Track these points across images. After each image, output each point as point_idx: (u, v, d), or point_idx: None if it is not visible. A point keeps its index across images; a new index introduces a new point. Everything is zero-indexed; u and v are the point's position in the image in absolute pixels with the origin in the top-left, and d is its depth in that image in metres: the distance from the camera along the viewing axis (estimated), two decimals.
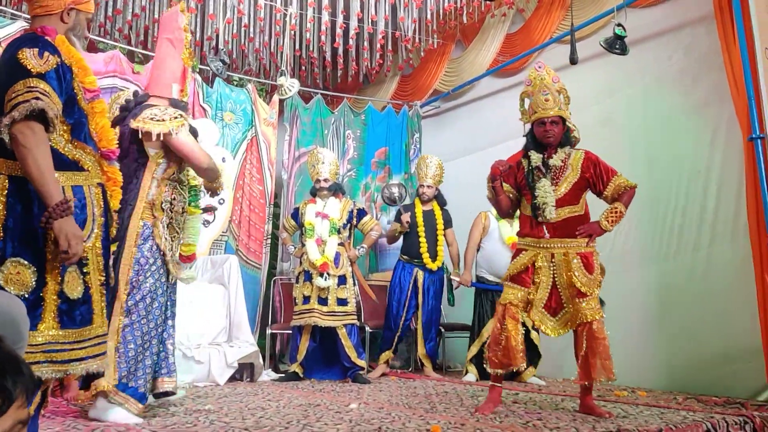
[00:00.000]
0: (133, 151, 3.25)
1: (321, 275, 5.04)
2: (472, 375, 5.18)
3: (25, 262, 2.13)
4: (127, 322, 3.08)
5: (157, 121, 3.18)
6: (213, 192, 3.54)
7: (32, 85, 2.16)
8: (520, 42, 6.43)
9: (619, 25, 4.87)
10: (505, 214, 3.77)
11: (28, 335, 1.97)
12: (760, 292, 3.86)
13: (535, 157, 3.55)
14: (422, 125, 7.72)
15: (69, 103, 2.32)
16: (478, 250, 5.42)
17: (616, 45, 4.86)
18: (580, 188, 3.53)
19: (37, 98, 2.13)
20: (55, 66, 2.23)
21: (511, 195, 3.66)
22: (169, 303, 3.33)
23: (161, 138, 3.18)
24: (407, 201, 6.51)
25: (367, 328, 5.89)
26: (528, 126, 3.66)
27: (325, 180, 5.32)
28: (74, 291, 2.22)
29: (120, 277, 3.08)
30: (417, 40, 6.71)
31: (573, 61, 5.03)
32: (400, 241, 5.81)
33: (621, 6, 5.06)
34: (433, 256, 5.59)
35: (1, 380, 0.86)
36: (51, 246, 2.17)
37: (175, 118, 3.23)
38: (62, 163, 2.26)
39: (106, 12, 6.04)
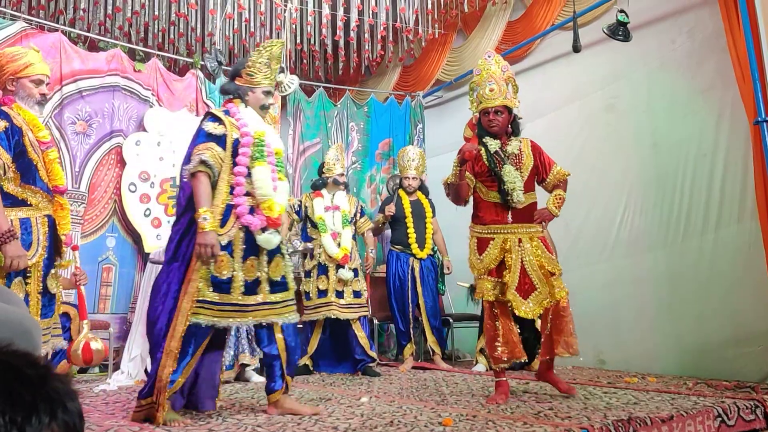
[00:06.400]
0: None
1: (343, 267, 5.06)
2: (481, 365, 5.18)
3: None
4: None
5: None
6: None
7: None
8: (522, 30, 6.39)
9: (621, 11, 4.83)
10: (461, 201, 3.70)
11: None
12: None
13: (493, 143, 3.62)
14: (425, 115, 7.71)
15: (19, 155, 2.95)
16: None
17: (619, 32, 4.83)
18: (533, 175, 3.65)
19: None
20: (3, 129, 2.90)
21: (470, 182, 3.65)
22: None
23: None
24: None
25: (375, 320, 5.90)
26: (477, 115, 3.75)
27: (340, 175, 5.33)
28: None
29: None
30: (418, 30, 6.69)
31: (576, 49, 5.00)
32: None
33: None
34: (421, 245, 5.61)
35: (30, 414, 0.80)
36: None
37: None
38: (13, 201, 2.93)
39: (105, 10, 6.02)
